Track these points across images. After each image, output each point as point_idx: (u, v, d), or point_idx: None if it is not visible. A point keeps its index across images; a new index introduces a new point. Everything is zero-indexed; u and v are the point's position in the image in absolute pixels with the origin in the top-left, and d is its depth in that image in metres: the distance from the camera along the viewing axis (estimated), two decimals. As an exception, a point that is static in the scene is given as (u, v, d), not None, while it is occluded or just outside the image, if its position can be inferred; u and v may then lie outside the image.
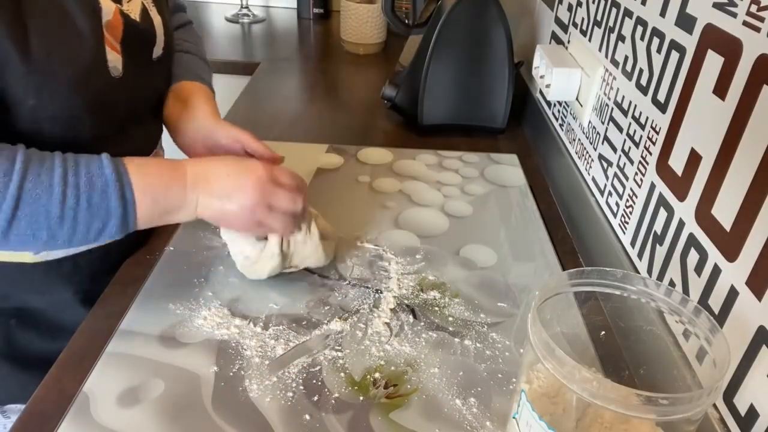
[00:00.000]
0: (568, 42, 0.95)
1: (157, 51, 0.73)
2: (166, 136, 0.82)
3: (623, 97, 0.73)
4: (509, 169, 1.01)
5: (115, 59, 0.63)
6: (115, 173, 0.56)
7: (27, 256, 0.67)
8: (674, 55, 0.61)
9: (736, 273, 0.49)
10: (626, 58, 0.73)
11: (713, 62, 0.54)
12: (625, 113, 0.73)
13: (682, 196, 0.58)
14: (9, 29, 0.54)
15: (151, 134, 0.79)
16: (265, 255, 0.68)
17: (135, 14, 0.68)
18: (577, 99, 0.88)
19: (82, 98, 0.61)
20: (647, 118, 0.67)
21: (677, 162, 0.60)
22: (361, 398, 0.57)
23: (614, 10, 0.77)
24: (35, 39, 0.55)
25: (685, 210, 0.57)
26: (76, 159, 0.56)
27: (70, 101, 0.60)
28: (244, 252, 0.69)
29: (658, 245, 0.62)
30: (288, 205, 0.64)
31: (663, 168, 0.62)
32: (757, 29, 0.47)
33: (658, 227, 0.63)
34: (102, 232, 0.57)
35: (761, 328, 0.46)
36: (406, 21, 1.26)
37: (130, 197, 0.57)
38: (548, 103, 1.06)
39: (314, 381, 0.59)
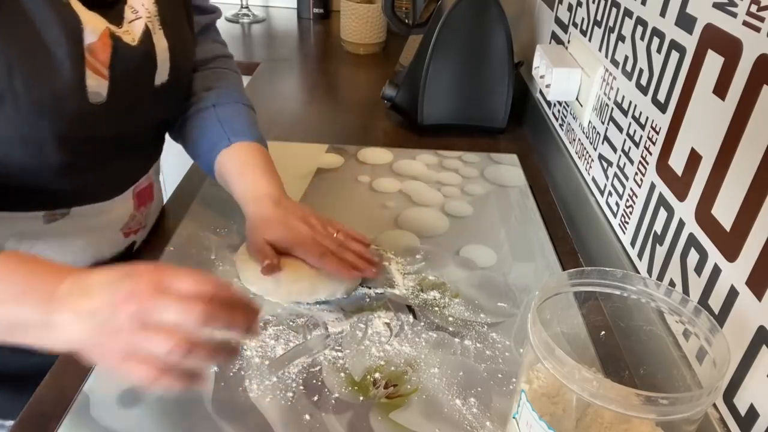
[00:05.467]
0: (568, 42, 0.95)
1: (161, 77, 0.66)
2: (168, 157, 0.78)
3: (623, 97, 0.73)
4: (509, 169, 1.01)
5: (97, 85, 0.58)
6: None
7: None
8: (674, 55, 0.61)
9: (736, 273, 0.49)
10: (626, 58, 0.73)
11: (713, 62, 0.54)
12: (625, 113, 0.73)
13: (682, 196, 0.58)
14: None
15: (139, 165, 0.73)
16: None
17: (134, 37, 0.62)
18: (577, 99, 0.88)
19: (50, 123, 0.56)
20: (647, 118, 0.67)
21: (677, 162, 0.60)
22: (361, 398, 0.57)
23: (614, 10, 0.77)
24: None
25: (685, 210, 0.57)
26: None
27: (35, 125, 0.55)
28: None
29: (658, 245, 0.62)
30: (175, 318, 0.44)
31: (663, 168, 0.62)
32: (757, 29, 0.47)
33: (658, 227, 0.63)
34: None
35: (761, 328, 0.46)
36: (406, 21, 1.26)
37: None
38: (548, 103, 1.06)
39: (314, 381, 0.59)
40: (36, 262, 0.48)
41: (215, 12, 0.85)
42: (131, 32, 0.61)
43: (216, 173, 0.75)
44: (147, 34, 0.63)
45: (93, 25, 0.56)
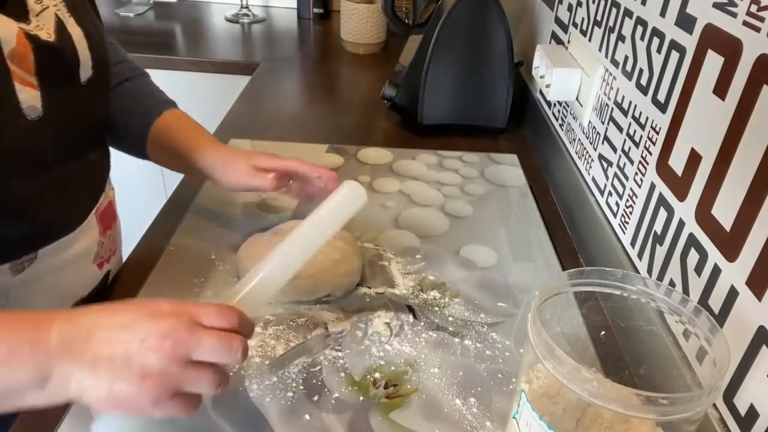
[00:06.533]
0: (568, 42, 0.95)
1: (86, 72, 0.59)
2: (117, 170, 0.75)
3: (623, 97, 0.73)
4: (509, 169, 1.01)
5: (30, 97, 0.51)
6: None
7: None
8: (674, 55, 0.61)
9: (736, 273, 0.49)
10: (626, 58, 0.73)
11: (713, 62, 0.54)
12: (625, 113, 0.73)
13: (682, 196, 0.58)
14: None
15: (96, 172, 0.67)
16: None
17: (49, 31, 0.54)
18: (577, 99, 0.88)
19: None
20: (647, 118, 0.67)
21: (677, 162, 0.60)
22: (361, 398, 0.57)
23: (614, 10, 0.77)
24: None
25: (685, 210, 0.57)
26: None
27: None
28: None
29: (658, 245, 0.62)
30: (216, 356, 0.43)
31: (663, 168, 0.62)
32: (757, 29, 0.47)
33: (658, 227, 0.63)
34: None
35: (761, 328, 0.46)
36: (406, 21, 1.26)
37: None
38: (548, 103, 1.06)
39: (314, 381, 0.59)
40: (8, 314, 0.42)
41: None
42: (43, 26, 0.54)
43: (151, 142, 0.74)
44: (60, 24, 0.56)
45: (5, 30, 0.49)
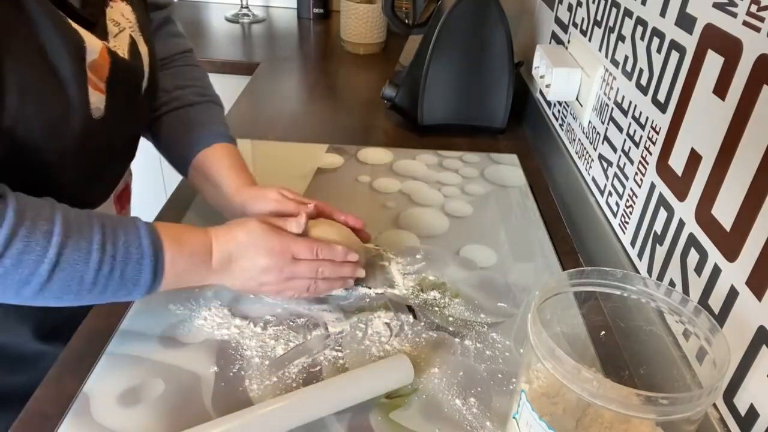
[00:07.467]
0: (568, 42, 0.95)
1: (144, 82, 0.69)
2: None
3: (623, 97, 0.73)
4: (509, 169, 1.01)
5: (98, 100, 0.60)
6: (152, 247, 0.55)
7: None
8: (674, 55, 0.61)
9: (736, 273, 0.49)
10: (626, 58, 0.73)
11: (713, 62, 0.54)
12: (625, 113, 0.73)
13: (682, 196, 0.58)
14: None
15: (123, 167, 0.76)
16: None
17: (124, 49, 0.64)
18: (577, 99, 0.88)
19: (57, 143, 0.57)
20: (647, 118, 0.67)
21: (677, 162, 0.60)
22: (361, 398, 0.57)
23: (614, 10, 0.77)
24: (9, 85, 0.51)
25: (685, 210, 0.57)
26: (114, 225, 0.55)
27: (43, 149, 0.56)
28: None
29: (658, 245, 0.62)
30: (308, 275, 0.65)
31: (663, 168, 0.62)
32: (757, 29, 0.47)
33: (658, 227, 0.63)
34: (127, 296, 0.56)
35: (761, 328, 0.46)
36: (406, 21, 1.26)
37: (161, 271, 0.56)
38: (548, 103, 1.06)
39: (314, 381, 0.59)
40: (184, 241, 0.59)
41: (169, 5, 0.85)
42: (120, 46, 0.63)
43: (194, 169, 0.76)
44: (134, 44, 0.65)
45: (91, 43, 0.57)
